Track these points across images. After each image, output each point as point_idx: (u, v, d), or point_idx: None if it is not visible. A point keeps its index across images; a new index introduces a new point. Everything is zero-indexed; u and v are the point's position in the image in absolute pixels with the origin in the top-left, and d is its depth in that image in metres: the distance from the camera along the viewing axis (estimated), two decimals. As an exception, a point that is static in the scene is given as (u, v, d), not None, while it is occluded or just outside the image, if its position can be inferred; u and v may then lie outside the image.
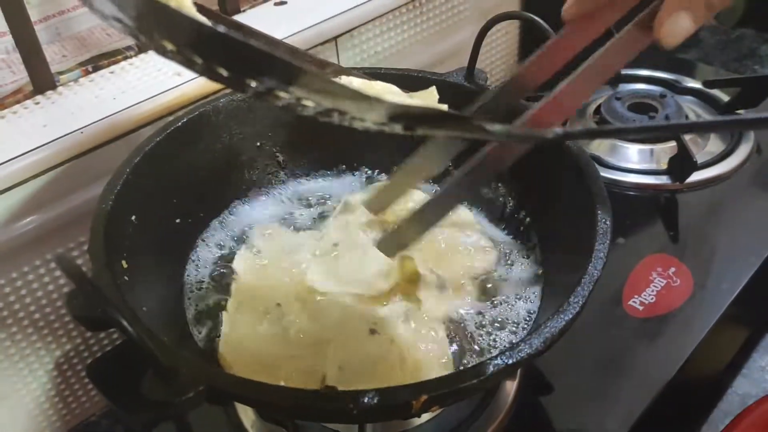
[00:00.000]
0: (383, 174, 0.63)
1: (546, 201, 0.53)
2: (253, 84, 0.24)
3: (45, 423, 0.60)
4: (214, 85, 0.58)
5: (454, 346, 0.48)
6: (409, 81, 0.57)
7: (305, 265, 0.54)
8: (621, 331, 0.57)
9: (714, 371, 0.63)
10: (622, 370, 0.54)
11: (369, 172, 0.63)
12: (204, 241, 0.56)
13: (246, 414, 0.52)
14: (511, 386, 0.52)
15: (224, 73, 0.24)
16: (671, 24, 0.30)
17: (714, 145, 0.75)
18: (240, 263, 0.55)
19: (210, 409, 0.54)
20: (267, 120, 0.58)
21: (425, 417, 0.51)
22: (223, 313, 0.50)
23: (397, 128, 0.27)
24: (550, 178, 0.52)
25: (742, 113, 0.78)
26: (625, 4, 0.35)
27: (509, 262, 0.54)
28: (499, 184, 0.58)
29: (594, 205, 0.44)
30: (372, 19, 0.69)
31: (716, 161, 0.72)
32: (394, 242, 0.40)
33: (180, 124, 0.51)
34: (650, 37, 0.32)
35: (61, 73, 0.60)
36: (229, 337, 0.49)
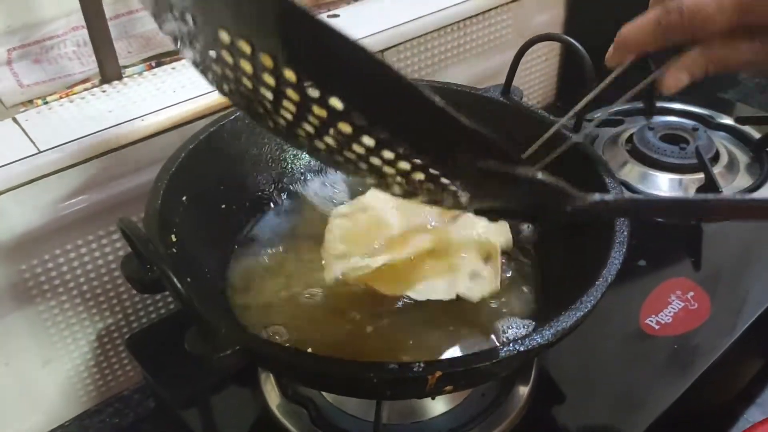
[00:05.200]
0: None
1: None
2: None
3: (82, 391, 0.63)
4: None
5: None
6: (449, 94, 0.59)
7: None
8: (636, 348, 0.58)
9: (726, 397, 0.64)
10: (633, 384, 0.55)
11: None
12: (250, 228, 0.58)
13: (271, 396, 0.55)
14: (523, 391, 0.54)
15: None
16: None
17: (743, 179, 0.76)
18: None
19: (237, 391, 0.57)
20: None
21: (437, 410, 0.53)
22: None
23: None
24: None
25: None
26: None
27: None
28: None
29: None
30: (417, 36, 0.73)
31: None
32: None
33: (233, 117, 0.55)
34: None
35: (126, 66, 0.64)
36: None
